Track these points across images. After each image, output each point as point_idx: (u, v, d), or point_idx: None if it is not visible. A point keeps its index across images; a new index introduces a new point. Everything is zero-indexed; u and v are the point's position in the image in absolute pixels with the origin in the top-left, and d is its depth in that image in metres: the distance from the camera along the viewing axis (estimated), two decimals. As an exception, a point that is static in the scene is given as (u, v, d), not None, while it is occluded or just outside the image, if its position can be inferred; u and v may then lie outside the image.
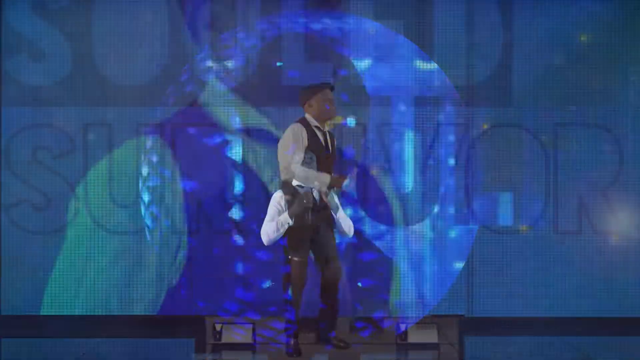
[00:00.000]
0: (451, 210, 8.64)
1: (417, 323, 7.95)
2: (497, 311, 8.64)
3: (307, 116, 7.27)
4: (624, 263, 8.66)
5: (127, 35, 8.69)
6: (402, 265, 8.62)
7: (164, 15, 8.68)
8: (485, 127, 8.53)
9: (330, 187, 7.25)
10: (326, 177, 7.17)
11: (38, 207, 8.66)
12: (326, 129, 7.32)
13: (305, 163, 7.17)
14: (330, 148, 7.28)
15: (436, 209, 8.64)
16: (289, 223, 7.18)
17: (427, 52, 8.60)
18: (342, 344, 7.48)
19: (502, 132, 8.65)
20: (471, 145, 8.65)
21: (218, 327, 8.09)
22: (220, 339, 8.05)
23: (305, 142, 7.14)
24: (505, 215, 8.68)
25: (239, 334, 7.99)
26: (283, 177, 7.27)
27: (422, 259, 8.63)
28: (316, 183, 7.14)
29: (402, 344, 7.94)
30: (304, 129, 7.18)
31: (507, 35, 8.61)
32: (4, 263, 8.67)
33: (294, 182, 7.26)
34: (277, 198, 7.27)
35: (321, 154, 7.20)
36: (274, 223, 7.20)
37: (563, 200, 8.66)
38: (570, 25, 8.65)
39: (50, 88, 8.66)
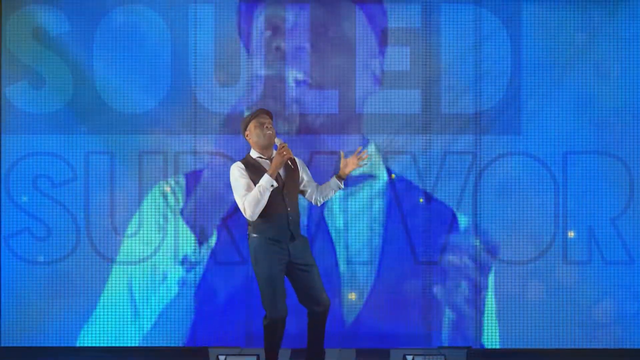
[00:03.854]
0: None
1: (424, 355, 7.86)
2: (505, 342, 8.56)
3: (251, 150, 6.90)
4: (635, 294, 8.59)
5: (129, 62, 8.65)
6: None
7: (167, 41, 8.64)
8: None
9: (277, 167, 6.70)
10: (264, 179, 6.66)
11: (38, 237, 8.57)
12: (273, 154, 6.85)
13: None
14: (284, 177, 6.84)
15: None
16: (272, 185, 6.68)
17: (434, 80, 8.56)
18: None
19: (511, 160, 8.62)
20: (479, 175, 8.59)
21: (222, 358, 8.02)
22: (223, 371, 7.99)
23: (246, 174, 6.74)
24: (515, 244, 8.61)
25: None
26: (249, 218, 6.78)
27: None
28: (268, 188, 6.63)
29: (409, 376, 7.86)
30: (243, 165, 6.78)
31: (516, 62, 8.57)
32: (4, 293, 8.58)
33: (253, 153, 6.83)
34: (238, 168, 6.77)
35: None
36: (255, 191, 6.67)
37: (573, 229, 8.58)
38: (580, 50, 8.60)
39: (51, 116, 8.59)
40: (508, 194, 8.59)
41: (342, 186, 6.99)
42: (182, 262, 8.61)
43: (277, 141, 6.76)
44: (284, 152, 6.69)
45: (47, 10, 8.58)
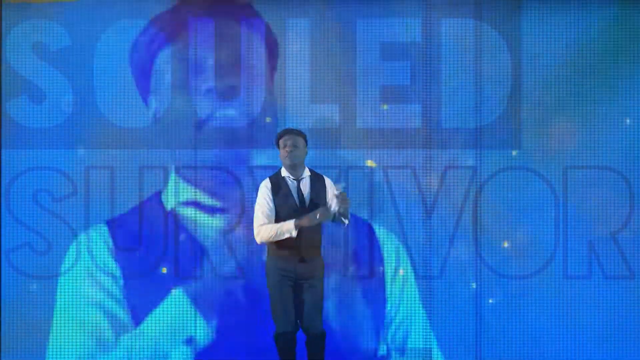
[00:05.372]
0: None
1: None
2: (505, 357, 8.57)
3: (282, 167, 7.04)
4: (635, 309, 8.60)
5: (130, 76, 8.63)
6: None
7: (168, 56, 8.63)
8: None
9: (312, 222, 6.79)
10: (288, 226, 6.79)
11: (39, 251, 8.57)
12: (302, 175, 6.94)
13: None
14: (307, 197, 6.91)
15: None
16: (291, 234, 6.79)
17: (435, 94, 8.57)
18: None
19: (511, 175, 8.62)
20: (479, 189, 8.60)
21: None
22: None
23: (270, 196, 6.88)
24: (514, 260, 8.61)
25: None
26: (257, 242, 6.96)
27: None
28: (285, 234, 6.78)
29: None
30: (270, 183, 6.91)
31: (516, 76, 8.58)
32: (4, 308, 8.57)
33: (284, 171, 6.92)
34: (265, 189, 6.91)
35: (291, 207, 6.88)
36: (274, 228, 6.80)
37: (573, 244, 8.59)
38: (580, 65, 8.62)
39: (52, 130, 8.59)
40: (508, 208, 8.60)
41: (346, 221, 6.96)
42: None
43: (338, 188, 6.85)
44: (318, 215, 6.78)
45: (47, 24, 8.58)
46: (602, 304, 8.56)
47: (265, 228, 6.84)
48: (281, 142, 6.93)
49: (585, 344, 8.56)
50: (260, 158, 8.57)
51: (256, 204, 6.94)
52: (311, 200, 6.92)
